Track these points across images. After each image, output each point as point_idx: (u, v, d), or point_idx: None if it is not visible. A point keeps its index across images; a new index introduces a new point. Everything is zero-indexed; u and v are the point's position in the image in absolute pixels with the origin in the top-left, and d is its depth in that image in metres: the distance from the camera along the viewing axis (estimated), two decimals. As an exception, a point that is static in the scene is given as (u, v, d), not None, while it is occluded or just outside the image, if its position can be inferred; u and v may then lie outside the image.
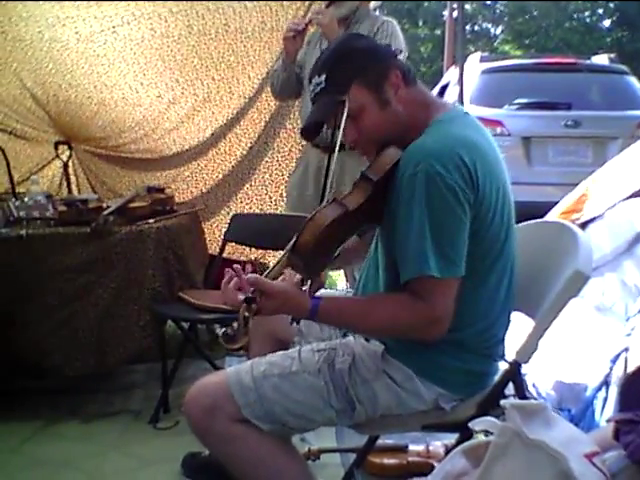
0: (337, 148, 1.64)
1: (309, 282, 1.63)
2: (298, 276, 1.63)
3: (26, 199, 3.11)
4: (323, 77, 1.63)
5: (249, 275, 1.54)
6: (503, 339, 1.75)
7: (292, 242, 1.55)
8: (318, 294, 1.64)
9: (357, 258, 1.96)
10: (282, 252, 1.59)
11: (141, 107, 3.97)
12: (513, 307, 1.76)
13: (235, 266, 1.63)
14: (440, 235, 1.51)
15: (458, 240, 1.53)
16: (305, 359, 1.70)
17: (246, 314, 1.47)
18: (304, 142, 3.46)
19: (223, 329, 1.47)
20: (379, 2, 3.30)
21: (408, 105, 1.65)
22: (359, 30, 2.99)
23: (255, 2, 3.63)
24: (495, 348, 1.73)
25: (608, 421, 1.82)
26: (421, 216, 1.51)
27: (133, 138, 4.04)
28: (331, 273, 4.95)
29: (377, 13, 3.30)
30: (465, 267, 1.55)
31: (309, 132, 1.80)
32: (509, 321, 1.75)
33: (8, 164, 3.65)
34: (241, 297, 1.50)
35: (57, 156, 4.00)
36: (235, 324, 1.46)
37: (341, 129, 1.62)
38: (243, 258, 3.87)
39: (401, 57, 2.98)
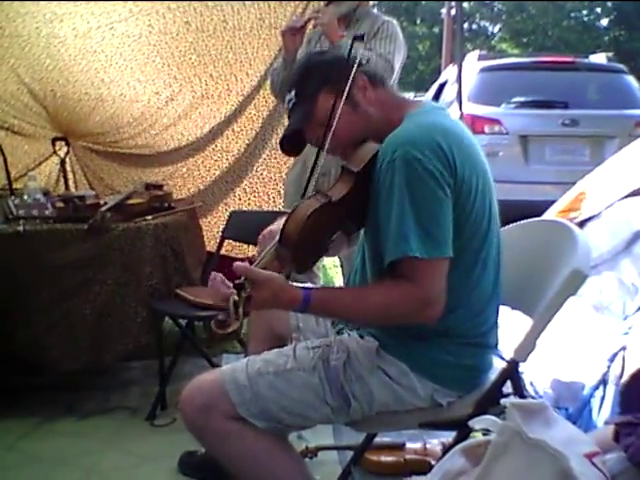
0: (326, 146, 1.66)
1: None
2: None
3: (25, 197, 3.09)
4: (293, 93, 1.72)
5: (237, 264, 1.53)
6: (493, 328, 1.74)
7: (279, 233, 1.57)
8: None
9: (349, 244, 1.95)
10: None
11: (139, 103, 3.96)
12: (501, 299, 1.75)
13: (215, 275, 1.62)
14: (423, 215, 1.52)
15: (442, 220, 1.54)
16: (300, 356, 1.70)
17: (236, 298, 1.48)
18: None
19: (216, 316, 1.48)
20: (377, 1, 3.28)
21: (379, 105, 1.71)
22: (359, 29, 2.97)
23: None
24: (485, 337, 1.72)
25: (607, 423, 1.82)
26: (401, 199, 1.52)
27: (131, 134, 4.03)
28: (328, 270, 4.96)
29: (378, 13, 3.27)
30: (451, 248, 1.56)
31: (289, 145, 1.82)
32: (498, 311, 1.75)
33: (5, 160, 3.63)
34: (230, 286, 1.50)
35: (54, 152, 3.98)
36: (225, 312, 1.47)
37: (332, 129, 1.64)
38: (241, 255, 3.87)
39: (395, 57, 2.99)
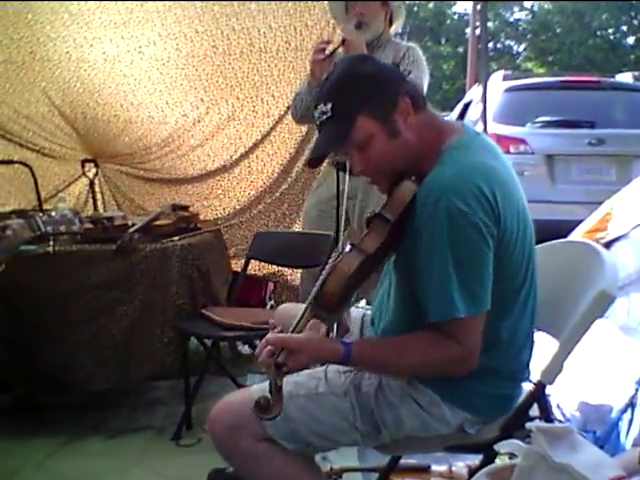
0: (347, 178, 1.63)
1: (335, 329, 1.62)
2: (323, 328, 1.61)
3: (53, 213, 3.14)
4: (329, 106, 1.56)
5: (269, 336, 1.52)
6: (529, 362, 1.73)
7: (314, 294, 1.53)
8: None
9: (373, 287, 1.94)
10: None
11: (166, 125, 4.03)
12: (536, 327, 1.74)
13: (272, 322, 1.62)
14: (465, 273, 1.48)
15: (484, 275, 1.50)
16: (331, 380, 1.69)
17: (278, 382, 1.44)
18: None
19: (257, 398, 1.43)
20: (399, 27, 3.27)
21: (418, 132, 1.59)
22: (382, 55, 2.98)
23: (280, 22, 3.67)
24: (523, 372, 1.72)
25: (634, 445, 1.80)
26: (444, 255, 1.47)
27: (158, 155, 4.10)
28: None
29: (398, 39, 3.28)
30: (492, 296, 1.52)
31: (314, 162, 1.78)
32: (533, 343, 1.74)
33: (36, 181, 3.71)
34: (270, 362, 1.47)
35: (83, 174, 4.06)
36: (268, 394, 1.44)
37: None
38: (265, 272, 3.91)
39: (424, 81, 2.98)
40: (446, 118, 2.15)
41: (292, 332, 1.52)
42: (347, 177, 1.62)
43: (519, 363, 1.69)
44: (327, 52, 2.98)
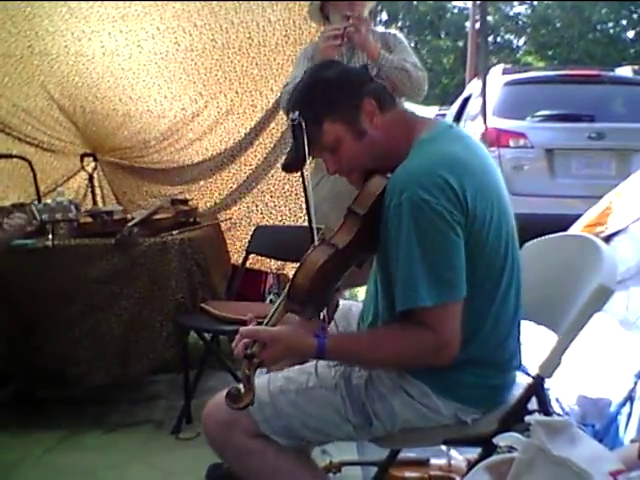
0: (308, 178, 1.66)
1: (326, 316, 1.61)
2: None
3: (49, 201, 3.11)
4: (296, 113, 1.61)
5: (241, 328, 1.54)
6: (516, 353, 1.73)
7: (287, 288, 1.54)
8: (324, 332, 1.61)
9: (359, 278, 1.95)
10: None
11: (165, 119, 4.02)
12: (522, 316, 1.74)
13: (249, 316, 1.63)
14: (433, 261, 1.49)
15: (454, 262, 1.51)
16: (322, 374, 1.70)
17: (246, 372, 1.46)
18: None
19: (228, 389, 1.46)
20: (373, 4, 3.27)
21: (386, 131, 1.64)
22: None
23: (279, 16, 3.66)
24: (511, 361, 1.71)
25: (633, 441, 1.80)
26: (409, 245, 1.49)
27: (157, 149, 4.10)
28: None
29: (377, 27, 3.28)
30: (469, 286, 1.53)
31: (291, 168, 1.79)
32: (519, 336, 1.74)
33: (35, 176, 3.71)
34: (242, 354, 1.49)
35: (82, 168, 4.06)
36: (240, 384, 1.46)
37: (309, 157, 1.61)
38: (265, 269, 3.90)
39: (417, 62, 2.98)
40: (445, 112, 2.15)
41: (265, 325, 1.54)
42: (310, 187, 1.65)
43: (505, 352, 1.69)
44: (340, 36, 2.93)
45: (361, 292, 4.61)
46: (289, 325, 1.59)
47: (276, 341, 1.52)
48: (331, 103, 1.62)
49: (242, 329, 1.54)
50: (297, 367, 1.76)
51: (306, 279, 1.52)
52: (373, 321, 1.75)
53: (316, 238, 1.59)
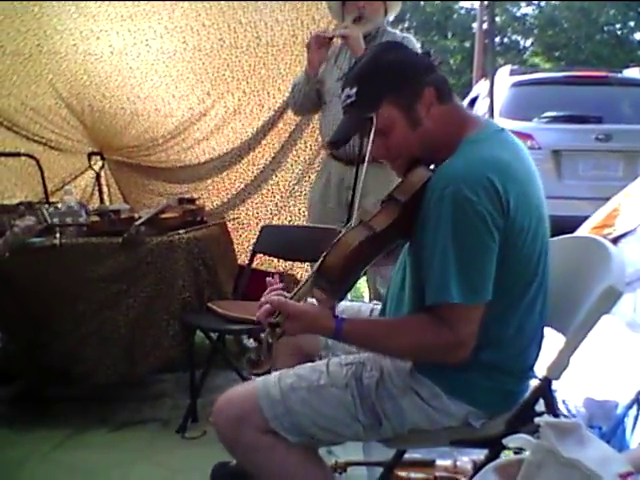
0: (365, 163, 1.64)
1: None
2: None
3: (59, 205, 3.15)
4: (354, 90, 1.60)
5: (272, 298, 1.55)
6: (536, 360, 1.72)
7: (318, 264, 1.55)
8: (342, 313, 1.63)
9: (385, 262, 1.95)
10: (310, 268, 1.59)
11: (173, 118, 4.03)
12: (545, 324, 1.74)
13: (270, 280, 1.64)
14: (465, 261, 1.49)
15: (485, 266, 1.50)
16: (333, 372, 1.70)
17: (269, 340, 1.49)
18: (324, 154, 3.48)
19: (247, 355, 1.49)
20: (393, 16, 3.29)
21: (440, 123, 1.61)
22: None
23: (287, 16, 3.66)
24: (530, 370, 1.71)
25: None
26: (446, 241, 1.48)
27: (165, 148, 4.11)
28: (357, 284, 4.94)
29: (393, 30, 3.30)
30: (497, 291, 1.52)
31: (336, 144, 1.80)
32: (542, 342, 1.73)
33: (42, 174, 3.72)
34: (267, 321, 1.52)
35: (90, 167, 4.07)
36: (258, 351, 1.48)
37: (369, 145, 1.61)
38: (272, 269, 3.89)
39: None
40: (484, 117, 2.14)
41: (292, 298, 1.56)
42: (363, 171, 1.64)
43: (525, 361, 1.68)
44: (327, 36, 3.06)
45: (365, 293, 4.61)
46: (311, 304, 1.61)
47: (301, 317, 1.54)
48: (392, 85, 1.59)
49: (271, 297, 1.55)
50: (309, 365, 1.76)
51: (340, 257, 1.52)
52: (397, 309, 1.75)
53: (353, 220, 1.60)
